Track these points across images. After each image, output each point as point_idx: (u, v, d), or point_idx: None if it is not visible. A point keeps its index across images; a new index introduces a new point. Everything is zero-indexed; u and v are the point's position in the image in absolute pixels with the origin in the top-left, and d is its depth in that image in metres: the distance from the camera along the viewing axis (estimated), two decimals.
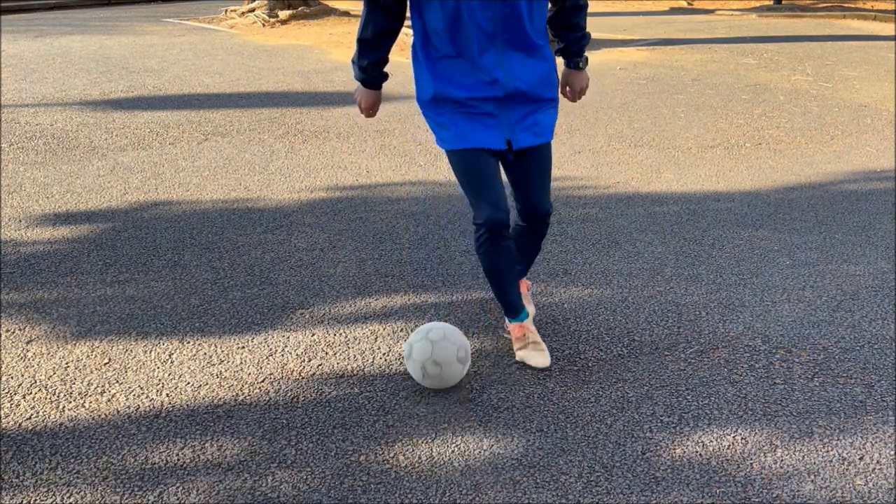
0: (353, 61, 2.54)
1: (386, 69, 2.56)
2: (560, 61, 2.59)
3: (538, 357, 2.70)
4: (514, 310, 2.75)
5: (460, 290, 3.27)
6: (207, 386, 2.60)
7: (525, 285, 3.00)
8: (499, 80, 2.38)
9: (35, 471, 2.20)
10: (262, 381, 2.63)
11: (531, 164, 2.53)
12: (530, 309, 2.92)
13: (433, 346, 2.53)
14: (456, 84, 2.41)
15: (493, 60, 2.37)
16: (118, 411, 2.46)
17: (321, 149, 5.24)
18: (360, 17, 2.47)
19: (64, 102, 6.36)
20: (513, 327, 2.77)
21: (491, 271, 2.64)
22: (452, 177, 3.15)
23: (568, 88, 2.66)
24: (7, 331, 2.93)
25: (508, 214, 2.52)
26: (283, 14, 11.24)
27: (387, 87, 2.66)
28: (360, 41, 2.47)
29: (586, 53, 2.61)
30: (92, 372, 2.67)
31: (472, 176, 2.48)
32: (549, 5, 2.49)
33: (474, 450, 2.30)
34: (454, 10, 2.31)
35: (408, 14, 2.46)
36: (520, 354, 2.74)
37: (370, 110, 2.61)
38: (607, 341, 2.89)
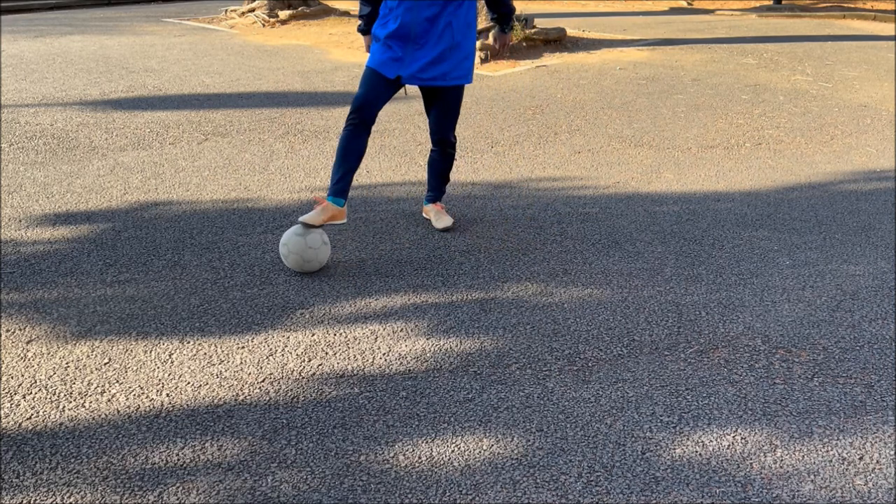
0: (359, 16, 3.67)
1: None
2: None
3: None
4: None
5: (460, 290, 3.27)
6: (207, 386, 2.60)
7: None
8: None
9: (35, 471, 2.20)
10: (262, 381, 2.63)
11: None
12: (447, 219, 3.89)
13: (304, 237, 3.28)
14: None
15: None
16: (118, 411, 2.46)
17: (321, 149, 5.24)
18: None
19: (64, 102, 6.36)
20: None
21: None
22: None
23: (497, 43, 3.73)
24: (7, 331, 2.93)
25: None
26: (283, 14, 11.24)
27: None
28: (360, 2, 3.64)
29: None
30: (92, 372, 2.67)
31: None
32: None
33: (474, 450, 2.30)
34: None
35: None
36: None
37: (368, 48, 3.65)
38: (607, 341, 2.89)
